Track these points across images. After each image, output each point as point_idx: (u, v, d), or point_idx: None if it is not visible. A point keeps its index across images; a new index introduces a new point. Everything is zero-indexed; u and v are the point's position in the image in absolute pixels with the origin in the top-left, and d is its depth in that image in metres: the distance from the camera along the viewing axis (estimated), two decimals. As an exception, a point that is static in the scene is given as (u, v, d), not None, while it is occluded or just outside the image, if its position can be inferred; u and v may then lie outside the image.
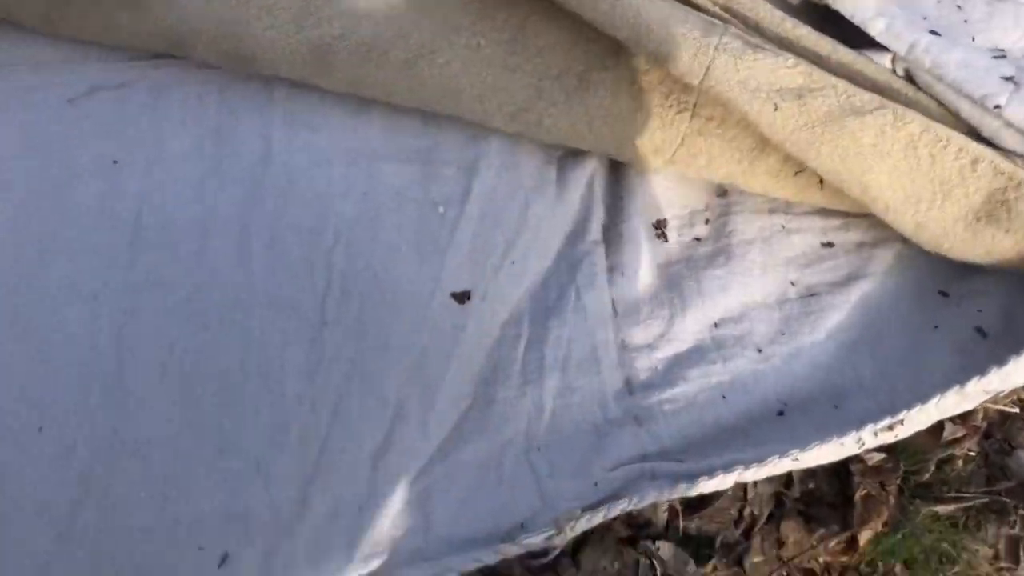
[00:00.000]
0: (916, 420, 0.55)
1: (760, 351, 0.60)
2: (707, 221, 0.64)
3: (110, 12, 0.60)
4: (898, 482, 0.60)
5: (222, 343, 0.56)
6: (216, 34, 0.59)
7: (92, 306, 0.56)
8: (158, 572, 0.51)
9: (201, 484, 0.53)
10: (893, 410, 0.54)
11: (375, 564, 0.52)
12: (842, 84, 0.58)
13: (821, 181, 0.61)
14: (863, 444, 0.55)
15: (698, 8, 0.61)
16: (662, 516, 0.58)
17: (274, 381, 0.55)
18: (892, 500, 0.59)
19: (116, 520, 0.51)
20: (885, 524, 0.59)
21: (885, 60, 0.62)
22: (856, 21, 0.63)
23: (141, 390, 0.55)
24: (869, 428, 0.54)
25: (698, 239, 0.64)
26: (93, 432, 0.53)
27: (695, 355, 0.60)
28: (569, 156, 0.66)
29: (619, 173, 0.66)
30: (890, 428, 0.54)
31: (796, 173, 0.62)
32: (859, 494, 0.59)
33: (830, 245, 0.64)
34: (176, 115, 0.62)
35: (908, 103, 0.59)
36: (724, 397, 0.59)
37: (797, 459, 0.54)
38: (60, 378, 0.55)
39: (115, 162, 0.60)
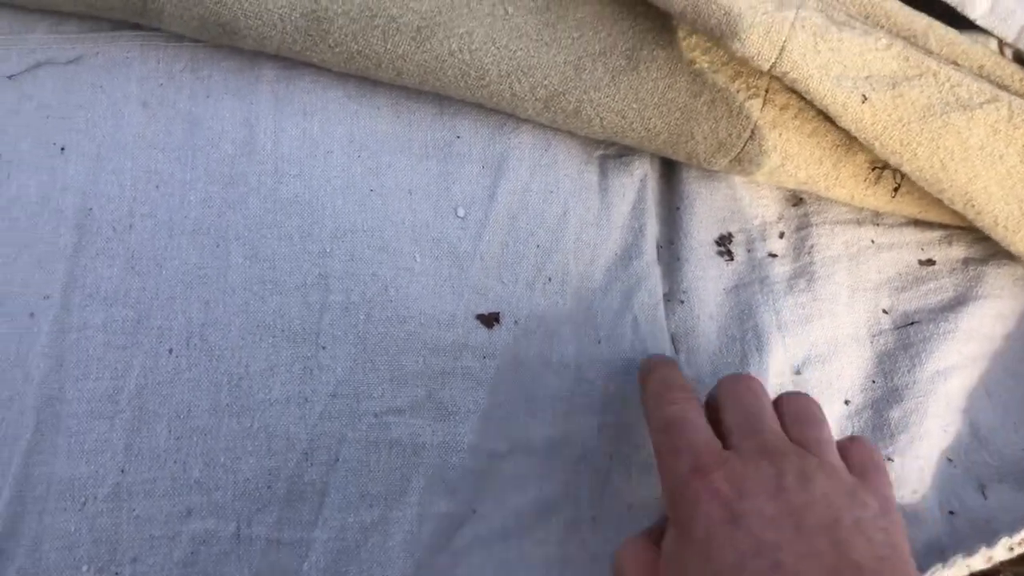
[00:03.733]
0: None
1: (848, 402, 0.53)
2: (782, 235, 0.57)
3: (62, -30, 0.53)
4: None
5: (190, 372, 0.48)
6: (190, -3, 0.52)
7: (27, 324, 0.48)
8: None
9: (160, 553, 0.44)
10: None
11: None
12: (945, 71, 0.52)
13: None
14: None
15: (769, -23, 0.55)
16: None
17: (258, 422, 0.47)
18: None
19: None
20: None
21: (991, 45, 0.56)
22: (952, 1, 0.57)
23: (85, 431, 0.47)
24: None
25: (773, 255, 0.56)
26: (22, 485, 0.45)
27: (775, 409, 0.52)
28: (612, 155, 0.58)
29: (673, 177, 0.59)
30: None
31: (890, 178, 0.55)
32: None
33: (930, 263, 0.56)
34: (137, 96, 0.54)
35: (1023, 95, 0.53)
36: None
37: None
38: (-18, 415, 0.46)
39: (62, 149, 0.52)
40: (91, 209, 0.51)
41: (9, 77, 0.54)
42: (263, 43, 0.53)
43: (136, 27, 0.56)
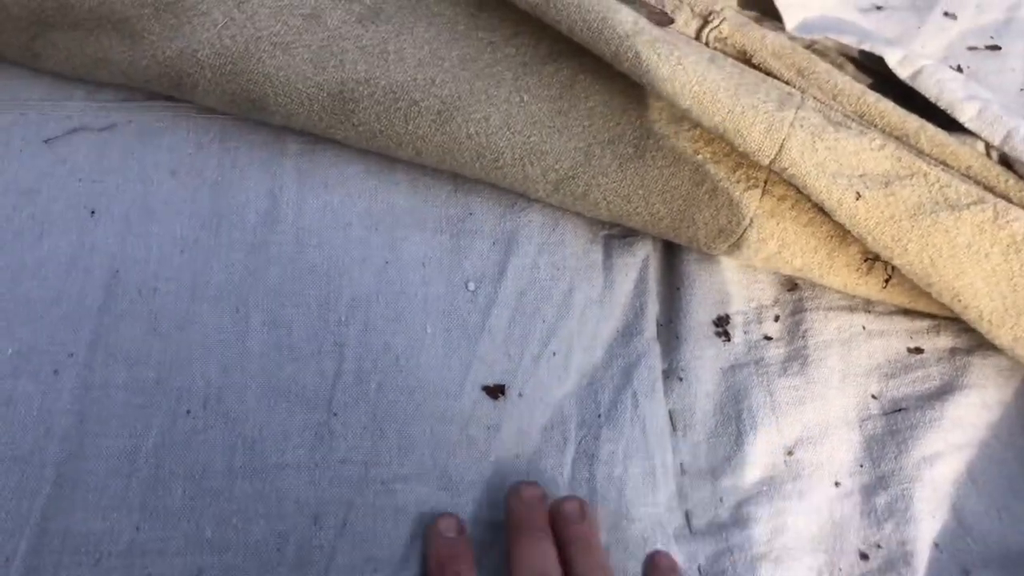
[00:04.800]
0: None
1: (838, 484, 0.55)
2: (777, 318, 0.60)
3: (103, 43, 0.56)
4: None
5: (206, 434, 0.50)
6: (222, 72, 0.55)
7: (52, 381, 0.50)
8: None
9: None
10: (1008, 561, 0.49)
11: None
12: (934, 172, 0.55)
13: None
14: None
15: (770, 74, 0.59)
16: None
17: (270, 485, 0.49)
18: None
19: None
20: None
21: (979, 147, 0.59)
22: (943, 104, 0.60)
23: (102, 487, 0.48)
24: None
25: (768, 338, 0.59)
26: (39, 538, 0.47)
27: (767, 488, 0.54)
28: (617, 235, 0.61)
29: (675, 259, 0.62)
30: None
31: (881, 269, 0.58)
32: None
33: (918, 351, 0.59)
34: (167, 164, 0.57)
35: (1008, 197, 0.56)
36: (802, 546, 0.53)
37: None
38: (4, 468, 0.48)
39: (92, 212, 0.55)
40: (118, 271, 0.54)
41: (45, 141, 0.57)
42: (290, 119, 0.57)
43: (168, 98, 0.60)
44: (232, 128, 0.59)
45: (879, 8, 0.76)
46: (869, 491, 0.55)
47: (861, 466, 0.55)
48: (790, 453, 0.56)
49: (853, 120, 0.57)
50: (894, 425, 0.57)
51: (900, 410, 0.57)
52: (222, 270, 0.54)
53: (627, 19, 0.55)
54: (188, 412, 0.50)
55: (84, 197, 0.56)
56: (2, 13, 0.56)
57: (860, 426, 0.57)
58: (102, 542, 0.47)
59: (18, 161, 0.56)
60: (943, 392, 0.57)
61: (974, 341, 0.59)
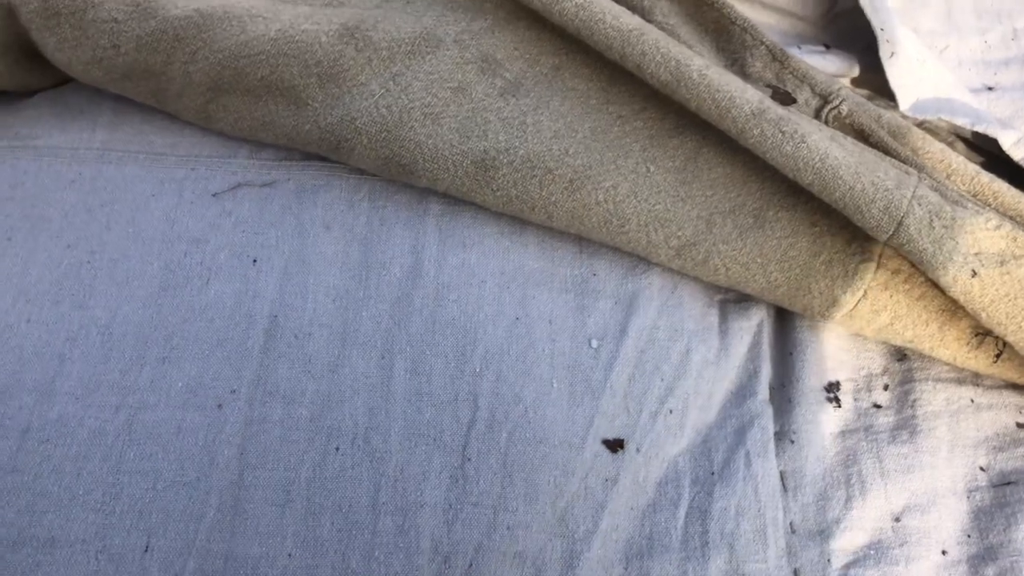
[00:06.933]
0: None
1: (945, 553, 0.57)
2: (886, 387, 0.62)
3: (270, 108, 0.62)
4: None
5: (354, 470, 0.54)
6: (377, 139, 0.60)
7: (216, 415, 0.56)
8: None
9: (317, 632, 0.50)
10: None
11: None
12: (1050, 251, 0.57)
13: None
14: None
15: (887, 153, 0.62)
16: None
17: (410, 522, 0.53)
18: None
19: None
20: None
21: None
22: (1052, 184, 0.62)
23: (260, 515, 0.53)
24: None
25: (877, 406, 0.61)
26: (204, 559, 0.52)
27: (874, 552, 0.56)
28: (732, 301, 0.65)
29: (787, 324, 0.65)
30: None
31: (992, 344, 0.60)
32: None
33: (1028, 426, 0.61)
34: (321, 219, 0.63)
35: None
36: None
37: None
38: (173, 492, 0.53)
39: (254, 261, 0.61)
40: (276, 316, 0.59)
41: (213, 195, 0.63)
42: (435, 183, 0.62)
43: (324, 159, 0.65)
44: (380, 188, 0.64)
45: (990, 89, 0.78)
46: (976, 561, 0.56)
47: (968, 536, 0.57)
48: (897, 519, 0.57)
49: (968, 199, 0.59)
50: (1003, 498, 0.58)
51: (1009, 483, 0.59)
52: (370, 319, 0.59)
53: (753, 98, 0.59)
54: (338, 449, 0.55)
55: (247, 247, 0.61)
56: (186, 79, 0.62)
57: (968, 497, 0.58)
58: (259, 566, 0.52)
59: (189, 212, 0.63)
60: (1053, 468, 0.59)
61: (1085, 419, 0.60)
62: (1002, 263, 0.57)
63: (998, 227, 0.57)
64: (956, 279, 0.56)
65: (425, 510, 0.54)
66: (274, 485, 0.54)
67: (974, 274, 0.56)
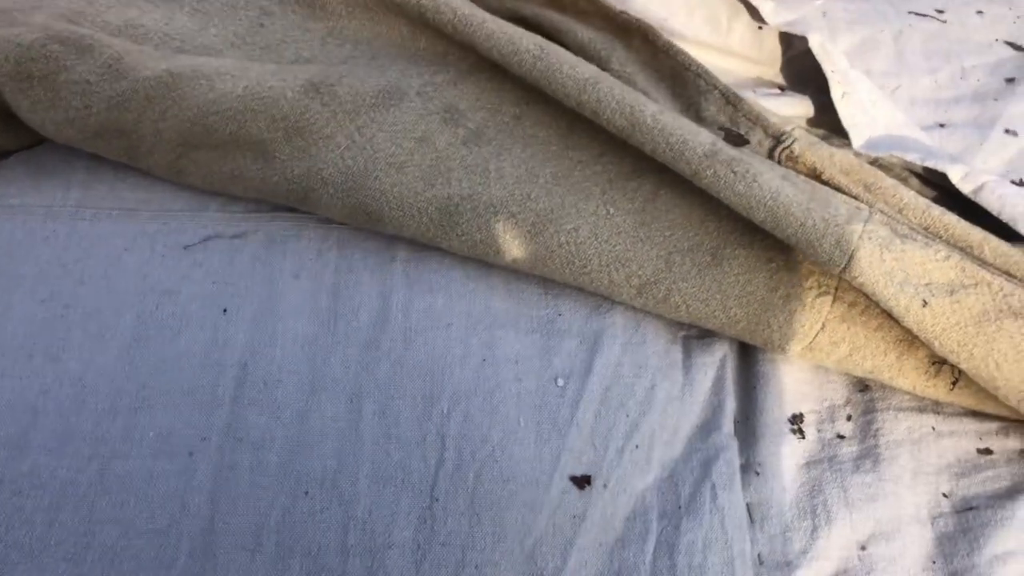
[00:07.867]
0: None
1: (911, 578, 0.57)
2: (849, 417, 0.64)
3: (238, 162, 0.64)
4: None
5: (323, 514, 0.55)
6: (343, 188, 0.62)
7: (187, 462, 0.56)
8: None
9: None
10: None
11: None
12: (998, 281, 0.58)
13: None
14: None
15: (839, 190, 0.64)
16: None
17: (378, 563, 0.54)
18: None
19: None
20: None
21: (1039, 256, 0.62)
22: (1004, 218, 0.64)
23: (230, 560, 0.54)
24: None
25: (841, 436, 0.63)
26: (174, 606, 0.52)
27: (842, 579, 0.57)
28: (695, 336, 0.66)
29: (750, 359, 0.66)
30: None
31: (948, 372, 0.61)
32: None
33: (988, 452, 0.62)
34: (290, 269, 0.64)
35: (1072, 304, 0.59)
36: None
37: None
38: (145, 539, 0.54)
39: (224, 311, 0.62)
40: (246, 364, 0.60)
41: (185, 247, 0.65)
42: (401, 230, 0.63)
43: (292, 210, 0.67)
44: (348, 236, 0.66)
45: (942, 126, 0.81)
46: (943, 588, 0.57)
47: (934, 562, 0.58)
48: (863, 548, 0.58)
49: (919, 232, 0.61)
50: (966, 523, 0.59)
51: (971, 508, 0.60)
52: (339, 364, 0.60)
53: (706, 140, 0.61)
54: (307, 493, 0.56)
55: (217, 297, 0.63)
56: (156, 137, 0.64)
57: (932, 523, 0.59)
58: (229, 611, 0.52)
59: (161, 264, 0.64)
60: (1014, 492, 0.60)
61: (1044, 443, 0.61)
62: (951, 292, 0.58)
63: (947, 258, 0.59)
64: (908, 309, 0.58)
65: (394, 551, 0.54)
66: (244, 530, 0.54)
67: (925, 304, 0.58)
